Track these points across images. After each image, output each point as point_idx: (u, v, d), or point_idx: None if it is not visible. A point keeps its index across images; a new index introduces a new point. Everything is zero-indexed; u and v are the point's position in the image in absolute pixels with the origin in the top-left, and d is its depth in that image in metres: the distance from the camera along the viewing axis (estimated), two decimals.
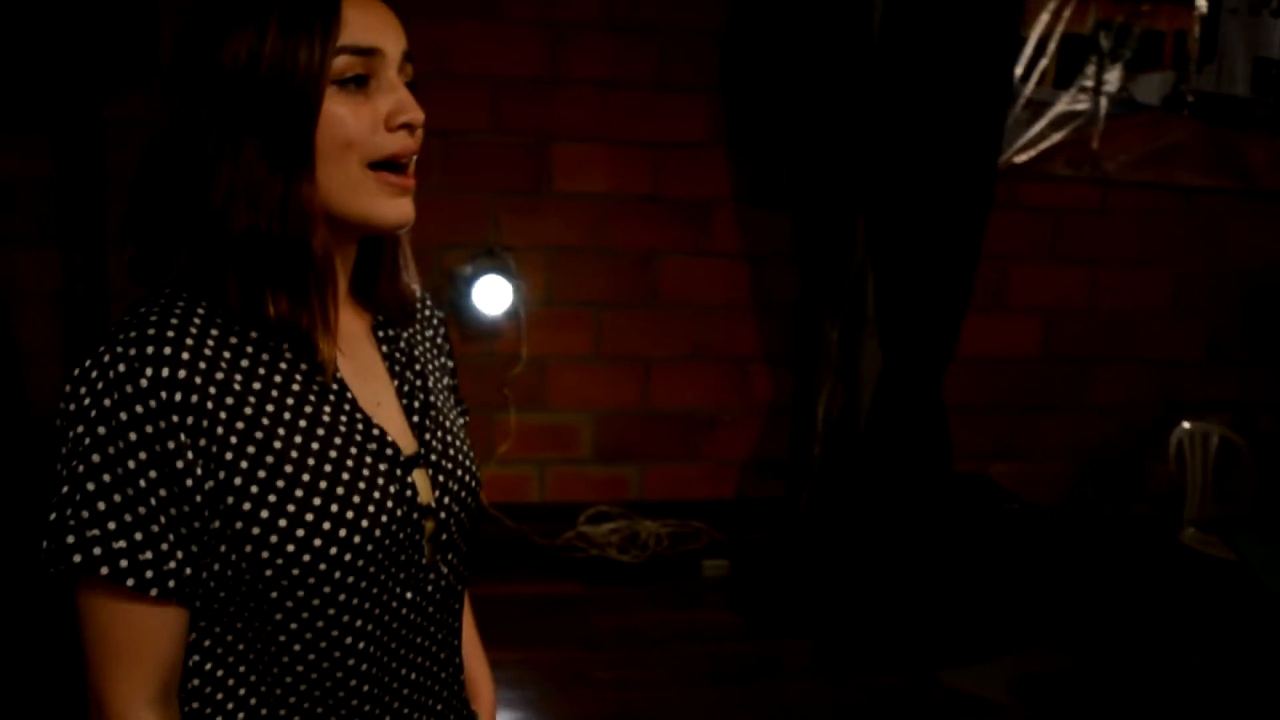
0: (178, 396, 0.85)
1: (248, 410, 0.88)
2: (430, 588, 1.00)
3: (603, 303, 3.09)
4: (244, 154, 0.88)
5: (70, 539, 0.85)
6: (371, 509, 0.92)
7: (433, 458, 1.01)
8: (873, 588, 2.77)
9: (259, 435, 0.88)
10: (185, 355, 0.86)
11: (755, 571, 3.02)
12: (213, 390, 0.87)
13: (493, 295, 2.97)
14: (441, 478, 1.01)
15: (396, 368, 1.04)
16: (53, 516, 0.86)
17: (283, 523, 0.87)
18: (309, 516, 0.88)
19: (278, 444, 0.89)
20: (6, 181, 2.78)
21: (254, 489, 0.87)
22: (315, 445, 0.91)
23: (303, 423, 0.91)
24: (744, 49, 3.01)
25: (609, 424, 3.16)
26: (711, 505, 3.20)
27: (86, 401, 0.85)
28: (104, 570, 0.85)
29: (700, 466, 3.22)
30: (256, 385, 0.90)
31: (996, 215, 2.81)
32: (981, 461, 3.28)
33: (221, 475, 0.86)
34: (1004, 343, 3.31)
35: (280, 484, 0.88)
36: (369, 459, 0.94)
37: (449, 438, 1.05)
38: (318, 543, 0.88)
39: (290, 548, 0.87)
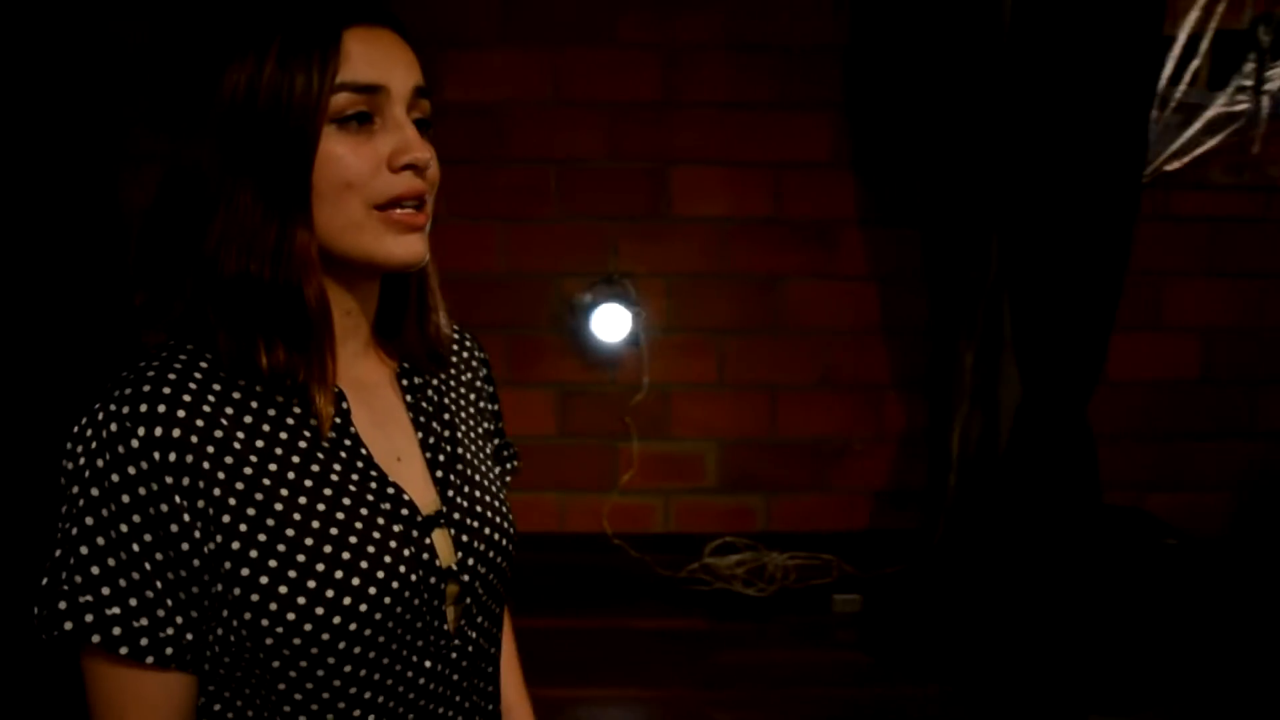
0: (172, 457, 0.80)
1: (248, 470, 0.83)
2: (455, 654, 0.93)
3: (726, 329, 3.01)
4: (239, 193, 0.83)
5: (62, 604, 0.81)
6: (381, 574, 0.86)
7: (455, 516, 0.95)
8: (1014, 628, 2.59)
9: (259, 496, 0.83)
10: (181, 413, 0.81)
11: (888, 608, 2.88)
12: (210, 449, 0.82)
13: (612, 323, 2.93)
14: (465, 537, 0.95)
15: (421, 418, 0.98)
16: (45, 581, 0.82)
17: (284, 589, 0.82)
18: (311, 583, 0.83)
19: (279, 505, 0.83)
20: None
21: (253, 553, 0.82)
22: (321, 506, 0.85)
23: (308, 482, 0.86)
24: (868, 63, 2.90)
25: (734, 453, 3.07)
26: (842, 537, 3.07)
27: (81, 461, 0.81)
28: (96, 639, 0.81)
29: (830, 497, 3.10)
30: (259, 443, 0.84)
31: (1147, 228, 2.62)
32: (1137, 493, 3.05)
33: (219, 539, 0.82)
34: (1159, 364, 3.08)
35: (281, 548, 0.83)
36: (381, 519, 0.88)
37: (477, 492, 0.98)
38: (320, 611, 0.82)
39: (291, 616, 0.82)
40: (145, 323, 0.88)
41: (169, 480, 0.80)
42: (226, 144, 0.84)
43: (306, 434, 0.88)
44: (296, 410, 0.88)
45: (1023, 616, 2.59)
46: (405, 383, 0.99)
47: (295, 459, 0.86)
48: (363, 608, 0.84)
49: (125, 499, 0.80)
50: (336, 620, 0.83)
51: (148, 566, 0.81)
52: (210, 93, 0.84)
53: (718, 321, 3.01)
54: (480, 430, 1.07)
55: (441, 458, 0.98)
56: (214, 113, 0.84)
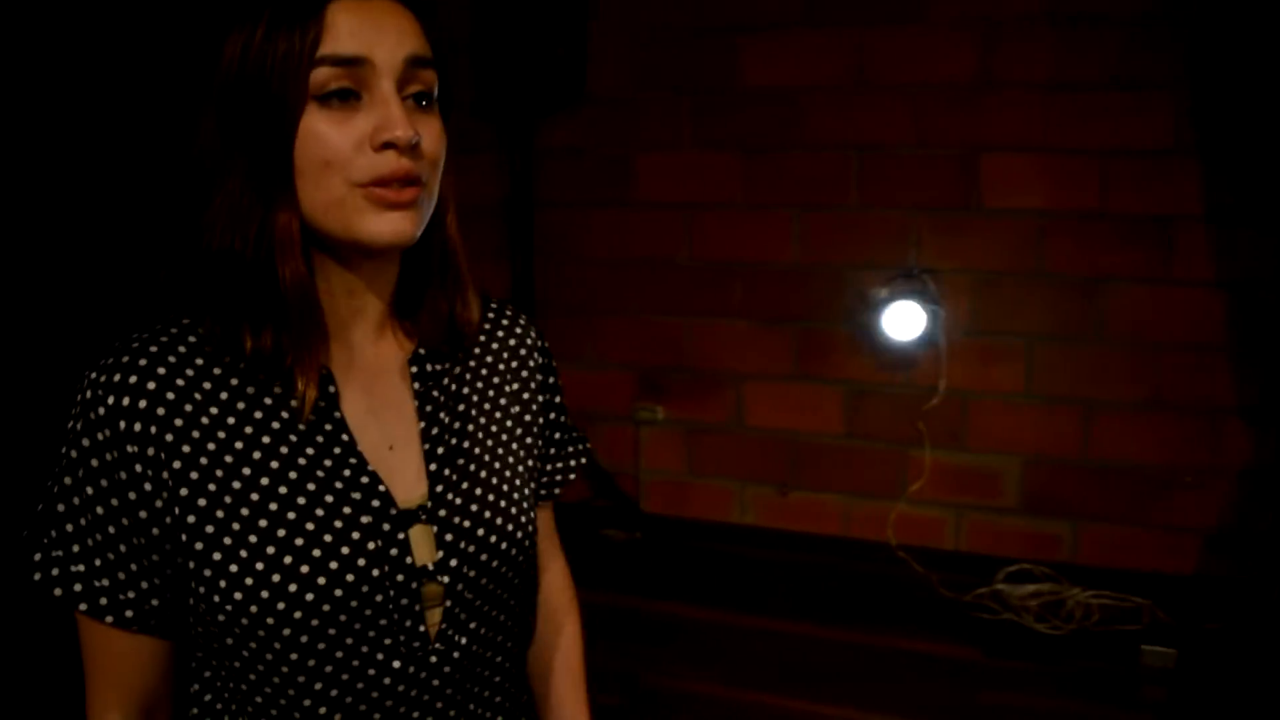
0: (136, 427, 0.81)
1: (211, 446, 0.83)
2: (435, 660, 0.88)
3: (1037, 334, 2.72)
4: (232, 170, 0.82)
5: (37, 556, 0.85)
6: (335, 565, 0.82)
7: (442, 512, 0.89)
8: None
9: (219, 474, 0.82)
10: (151, 385, 0.82)
11: (1208, 668, 2.48)
12: (178, 423, 0.82)
13: (909, 321, 2.74)
14: (450, 535, 0.89)
15: (428, 406, 0.93)
16: (25, 533, 0.87)
17: (234, 568, 0.81)
18: (259, 565, 0.81)
19: (237, 484, 0.82)
20: (467, 199, 3.07)
21: (209, 529, 0.81)
22: (283, 489, 0.83)
23: (274, 464, 0.84)
24: (1220, 32, 2.48)
25: (1038, 472, 2.77)
26: (1159, 580, 2.68)
27: (69, 425, 0.84)
28: (57, 591, 0.84)
29: (1149, 532, 2.72)
30: (231, 420, 0.84)
31: None
32: None
33: (177, 510, 0.82)
34: None
35: (236, 526, 0.81)
36: (347, 508, 0.84)
37: (478, 489, 0.92)
38: (265, 594, 0.81)
39: (238, 595, 0.81)
40: (164, 298, 0.90)
41: (130, 449, 0.82)
42: (222, 119, 0.84)
43: (284, 415, 0.86)
44: (277, 391, 0.87)
45: None
46: (415, 369, 0.95)
47: (266, 439, 0.85)
48: (309, 596, 0.82)
49: (93, 463, 0.83)
50: (281, 606, 0.81)
51: (111, 530, 0.84)
52: (212, 64, 0.84)
53: (1028, 326, 2.72)
54: (511, 422, 1.01)
55: (441, 450, 0.93)
56: (214, 86, 0.84)
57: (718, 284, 2.93)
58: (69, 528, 0.85)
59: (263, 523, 0.83)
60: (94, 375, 0.85)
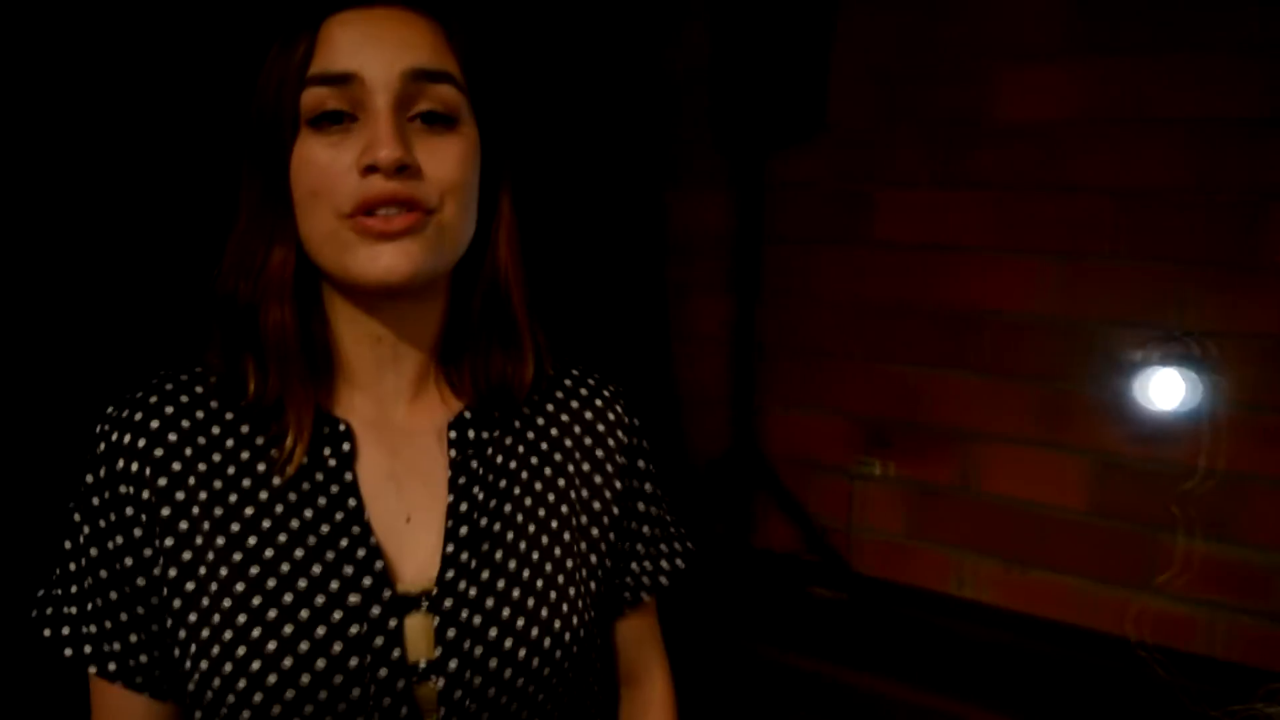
0: (133, 466, 0.76)
1: (203, 496, 0.76)
2: None
3: None
4: (243, 206, 0.77)
5: (40, 592, 0.81)
6: (305, 647, 0.72)
7: (448, 603, 0.76)
8: None
9: (207, 526, 0.75)
10: (154, 424, 0.77)
11: None
12: (175, 467, 0.76)
13: (1170, 388, 2.41)
14: (453, 632, 0.76)
15: (462, 478, 0.80)
16: (40, 592, 0.83)
17: (203, 633, 0.73)
18: (228, 634, 0.72)
19: (222, 540, 0.74)
20: (691, 233, 3.02)
21: (188, 585, 0.74)
22: (268, 553, 0.74)
23: (266, 522, 0.76)
24: None
25: None
26: None
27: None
28: (46, 632, 0.78)
29: None
30: (230, 471, 0.76)
31: None
32: None
33: (161, 562, 0.75)
34: None
35: (213, 587, 0.73)
36: (335, 584, 0.74)
37: (501, 582, 0.78)
38: (229, 669, 0.71)
39: (203, 665, 0.72)
40: (198, 337, 0.85)
41: (123, 490, 0.77)
42: (245, 150, 0.79)
43: (289, 471, 0.78)
44: (288, 445, 0.78)
45: None
46: (455, 433, 0.82)
47: (263, 495, 0.77)
48: (271, 679, 0.72)
49: (94, 501, 0.78)
50: (242, 684, 0.72)
51: (102, 574, 0.78)
52: (244, 89, 0.79)
53: None
54: (568, 508, 0.85)
55: (465, 530, 0.79)
56: (239, 111, 0.80)
57: (955, 333, 2.71)
58: (67, 567, 0.81)
59: (239, 586, 0.74)
60: (109, 410, 0.81)
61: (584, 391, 0.92)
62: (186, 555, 0.75)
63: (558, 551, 0.83)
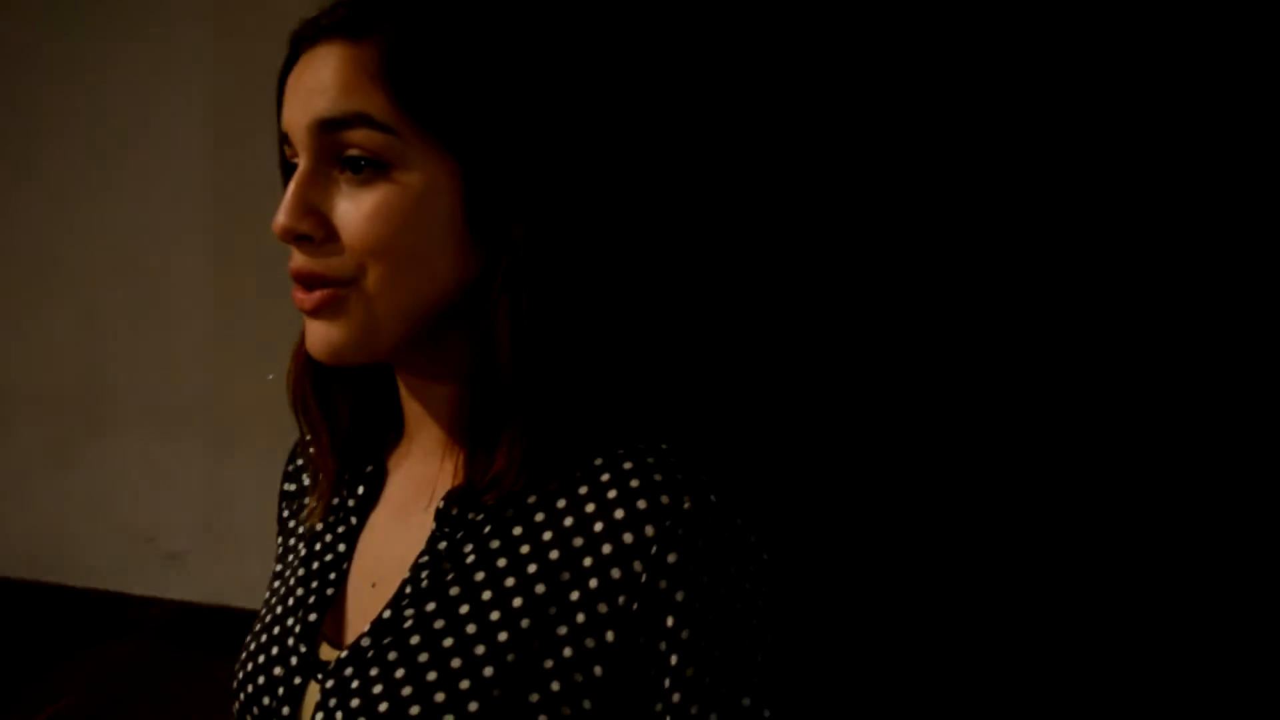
0: (288, 486, 0.91)
1: (291, 523, 0.88)
2: None
3: None
4: None
5: None
6: (248, 686, 0.79)
7: (347, 671, 0.70)
8: None
9: (279, 548, 0.88)
10: (306, 451, 0.85)
11: None
12: (289, 487, 0.91)
13: None
14: (334, 702, 0.69)
15: (425, 556, 0.72)
16: None
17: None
18: (241, 653, 0.82)
19: (279, 565, 0.87)
20: None
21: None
22: (276, 583, 0.85)
23: (292, 558, 0.84)
24: None
25: None
26: None
27: None
28: None
29: None
30: (309, 502, 0.84)
31: None
32: None
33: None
34: None
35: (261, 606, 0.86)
36: (281, 626, 0.79)
37: (407, 687, 0.67)
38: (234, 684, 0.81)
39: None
40: None
41: (281, 506, 0.91)
42: None
43: (332, 518, 0.82)
44: (360, 490, 0.82)
45: None
46: (443, 504, 0.72)
47: (319, 526, 0.83)
48: (235, 706, 0.80)
49: (280, 504, 0.93)
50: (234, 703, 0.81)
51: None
52: None
53: None
54: (530, 621, 0.68)
55: (406, 608, 0.71)
56: None
57: None
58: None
59: (263, 604, 0.84)
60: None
61: (611, 495, 0.69)
62: (277, 567, 0.88)
63: (489, 672, 0.67)
